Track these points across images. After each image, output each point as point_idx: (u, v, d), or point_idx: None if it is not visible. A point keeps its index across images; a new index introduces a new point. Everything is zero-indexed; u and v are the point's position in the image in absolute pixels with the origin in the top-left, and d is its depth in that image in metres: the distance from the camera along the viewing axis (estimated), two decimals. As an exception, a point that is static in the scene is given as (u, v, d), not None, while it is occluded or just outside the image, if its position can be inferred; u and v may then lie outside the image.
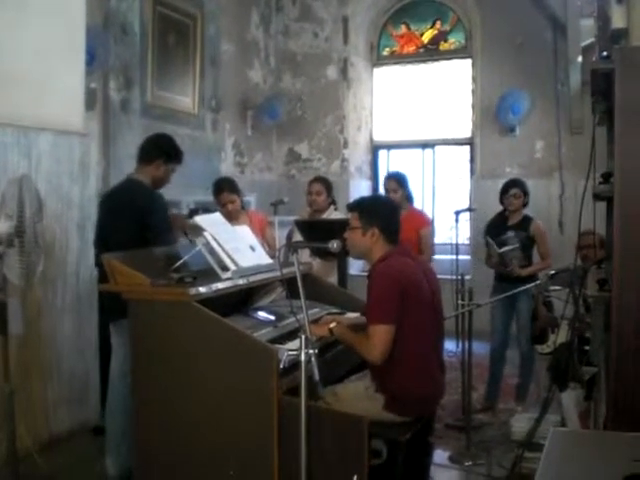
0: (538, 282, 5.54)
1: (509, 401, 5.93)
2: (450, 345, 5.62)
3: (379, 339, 3.35)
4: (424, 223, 5.71)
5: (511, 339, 5.91)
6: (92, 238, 4.67)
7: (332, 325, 3.59)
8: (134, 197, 4.25)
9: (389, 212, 3.69)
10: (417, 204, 9.58)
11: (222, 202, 5.42)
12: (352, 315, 4.16)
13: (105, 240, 4.28)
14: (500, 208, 5.90)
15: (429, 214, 9.52)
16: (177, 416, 3.39)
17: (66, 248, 5.08)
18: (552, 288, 5.72)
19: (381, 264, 3.51)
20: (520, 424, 4.84)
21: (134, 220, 4.13)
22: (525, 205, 5.83)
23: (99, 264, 4.00)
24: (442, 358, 3.74)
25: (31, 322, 4.63)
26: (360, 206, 3.69)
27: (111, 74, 6.18)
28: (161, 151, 4.42)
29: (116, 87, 6.27)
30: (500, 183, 8.29)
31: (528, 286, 5.44)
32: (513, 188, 5.74)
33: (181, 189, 6.72)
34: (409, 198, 5.80)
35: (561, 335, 5.05)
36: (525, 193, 5.79)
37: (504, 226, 5.74)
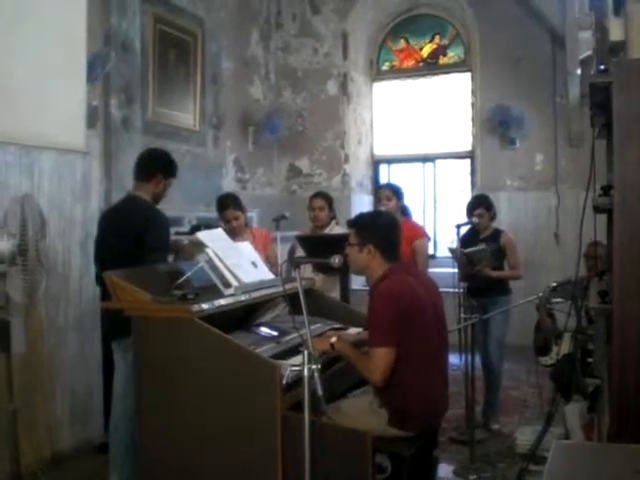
0: (510, 294, 5.59)
1: (511, 414, 5.92)
2: (453, 359, 5.61)
3: (380, 362, 3.35)
4: (419, 235, 5.68)
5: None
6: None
7: (333, 340, 3.59)
8: (134, 214, 4.25)
9: (386, 229, 3.67)
10: (418, 217, 9.71)
11: (227, 218, 5.40)
12: (355, 330, 4.15)
13: (105, 257, 4.29)
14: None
15: (429, 228, 9.57)
16: (180, 433, 3.39)
17: (69, 266, 5.10)
18: (554, 300, 5.72)
19: (381, 284, 3.50)
20: (524, 437, 4.83)
21: (133, 237, 4.14)
22: (493, 219, 5.87)
23: (100, 282, 4.01)
24: (446, 372, 3.73)
25: (34, 340, 4.63)
26: (357, 223, 3.70)
27: (112, 92, 6.21)
28: (159, 167, 4.41)
29: (117, 105, 6.30)
30: (501, 196, 8.35)
31: (500, 310, 5.44)
32: (477, 209, 5.75)
33: (183, 205, 6.75)
34: (404, 211, 5.79)
35: (564, 347, 5.05)
36: (489, 209, 5.81)
37: (476, 238, 5.74)
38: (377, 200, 5.81)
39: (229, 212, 5.40)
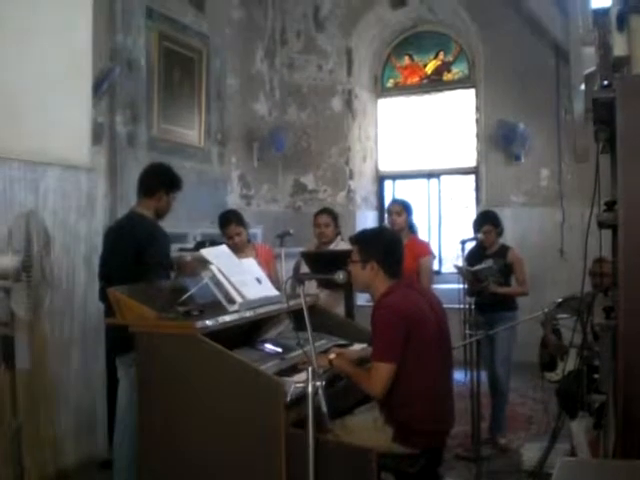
0: (517, 310, 5.57)
1: (517, 431, 5.89)
2: (459, 375, 5.59)
3: (380, 376, 3.34)
4: (425, 252, 5.70)
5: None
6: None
7: (331, 356, 3.57)
8: (135, 231, 4.28)
9: (389, 245, 3.65)
10: (423, 233, 9.68)
11: (229, 234, 5.42)
12: (359, 346, 4.14)
13: (109, 274, 4.30)
14: None
15: (434, 244, 9.55)
16: (183, 449, 3.37)
17: (73, 282, 5.10)
18: (560, 316, 5.68)
19: (384, 299, 3.49)
20: (530, 453, 4.80)
21: (134, 254, 4.15)
22: (500, 235, 5.85)
23: (104, 298, 4.01)
24: (451, 389, 3.70)
25: (38, 356, 4.63)
26: (360, 239, 3.68)
27: (118, 108, 6.24)
28: (162, 182, 4.44)
29: (123, 121, 6.33)
30: (507, 211, 8.31)
31: (506, 326, 5.41)
32: (484, 225, 5.75)
33: (187, 222, 6.76)
34: (412, 228, 5.81)
35: (570, 363, 5.02)
36: (497, 225, 5.80)
37: (482, 254, 5.72)
38: (388, 214, 5.84)
39: (231, 228, 5.42)
